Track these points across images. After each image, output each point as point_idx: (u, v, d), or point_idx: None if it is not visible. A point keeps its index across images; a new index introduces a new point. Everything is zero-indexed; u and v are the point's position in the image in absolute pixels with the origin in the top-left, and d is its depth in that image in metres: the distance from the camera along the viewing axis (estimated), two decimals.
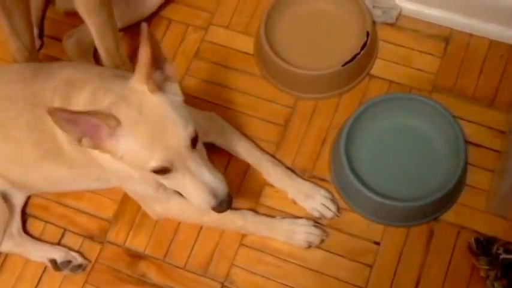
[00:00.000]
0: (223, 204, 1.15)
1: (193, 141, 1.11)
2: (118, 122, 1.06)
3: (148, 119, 1.08)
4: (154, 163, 1.08)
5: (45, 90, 1.28)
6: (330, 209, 1.45)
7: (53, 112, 1.01)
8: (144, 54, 1.07)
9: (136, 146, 1.08)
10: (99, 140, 1.08)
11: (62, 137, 1.27)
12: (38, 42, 1.63)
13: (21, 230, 1.48)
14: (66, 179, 1.41)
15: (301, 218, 1.45)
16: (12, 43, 1.53)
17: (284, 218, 1.45)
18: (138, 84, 1.10)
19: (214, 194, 1.13)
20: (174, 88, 1.14)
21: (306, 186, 1.47)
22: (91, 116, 1.05)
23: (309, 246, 1.42)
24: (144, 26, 1.07)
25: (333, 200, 1.46)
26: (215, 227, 1.45)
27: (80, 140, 1.07)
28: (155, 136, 1.08)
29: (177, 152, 1.09)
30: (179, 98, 1.15)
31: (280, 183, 1.48)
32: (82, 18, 1.42)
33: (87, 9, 1.38)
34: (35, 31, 1.61)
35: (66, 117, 1.03)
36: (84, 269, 1.46)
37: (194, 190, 1.13)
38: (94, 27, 1.41)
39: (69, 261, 1.45)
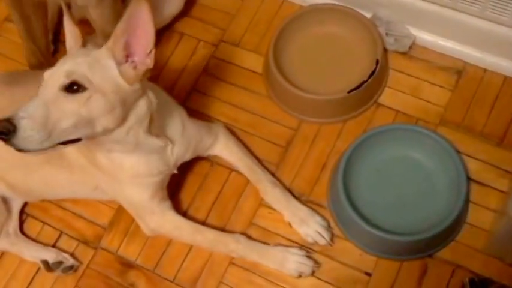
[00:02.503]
0: (1, 122, 1.05)
1: (69, 89, 1.08)
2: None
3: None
4: None
5: None
6: (323, 237, 1.43)
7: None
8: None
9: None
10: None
11: None
12: (51, 48, 1.67)
13: (17, 230, 1.51)
14: (65, 184, 1.43)
15: (294, 246, 1.43)
16: (27, 47, 1.58)
17: (277, 245, 1.44)
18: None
19: (16, 111, 1.06)
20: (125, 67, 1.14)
21: (303, 211, 1.45)
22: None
23: (299, 276, 1.40)
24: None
25: (328, 228, 1.45)
26: (207, 248, 1.45)
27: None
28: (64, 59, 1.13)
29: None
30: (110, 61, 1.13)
31: (277, 204, 1.47)
32: (95, 28, 1.45)
33: (102, 20, 1.41)
34: (50, 36, 1.64)
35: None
36: (75, 270, 1.48)
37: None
38: (106, 38, 1.43)
39: (61, 262, 1.47)
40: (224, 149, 1.51)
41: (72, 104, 1.08)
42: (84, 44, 1.18)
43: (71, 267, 1.48)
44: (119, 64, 1.13)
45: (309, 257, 1.41)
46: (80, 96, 1.08)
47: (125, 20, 1.10)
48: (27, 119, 1.05)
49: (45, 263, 1.47)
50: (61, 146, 1.10)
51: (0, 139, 1.05)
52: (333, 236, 1.44)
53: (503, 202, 1.43)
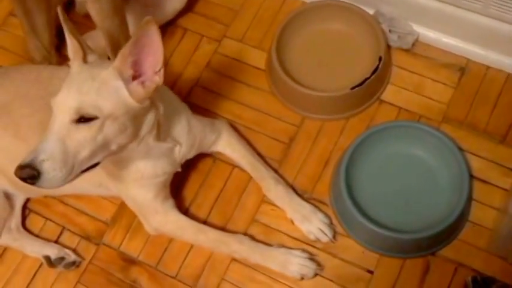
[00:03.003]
0: (23, 169, 1.06)
1: (80, 120, 1.07)
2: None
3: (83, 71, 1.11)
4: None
5: None
6: (326, 234, 1.43)
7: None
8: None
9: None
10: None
11: None
12: (55, 42, 1.66)
13: (20, 225, 1.52)
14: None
15: (297, 248, 1.43)
16: (30, 41, 1.57)
17: (280, 247, 1.43)
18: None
19: (34, 154, 1.06)
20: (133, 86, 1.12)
21: (305, 208, 1.45)
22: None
23: (302, 279, 1.40)
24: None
25: (330, 225, 1.45)
26: (209, 248, 1.44)
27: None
28: (69, 85, 1.09)
29: (58, 106, 1.08)
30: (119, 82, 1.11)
31: (279, 201, 1.47)
32: (95, 23, 1.44)
33: (101, 15, 1.41)
34: (54, 31, 1.64)
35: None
36: (78, 266, 1.48)
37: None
38: (106, 33, 1.43)
39: (63, 258, 1.47)
40: (227, 145, 1.51)
41: (87, 133, 1.08)
42: (85, 58, 1.15)
43: (73, 263, 1.48)
44: (127, 83, 1.11)
45: (311, 259, 1.41)
46: (93, 125, 1.08)
47: (133, 41, 1.07)
48: (49, 161, 1.05)
49: (48, 258, 1.47)
50: (83, 173, 1.12)
51: (28, 183, 1.07)
52: (335, 233, 1.44)
53: (506, 200, 1.43)
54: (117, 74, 1.10)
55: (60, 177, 1.06)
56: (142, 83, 1.13)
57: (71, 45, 1.16)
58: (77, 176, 1.10)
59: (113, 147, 1.13)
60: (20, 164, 1.06)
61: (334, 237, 1.44)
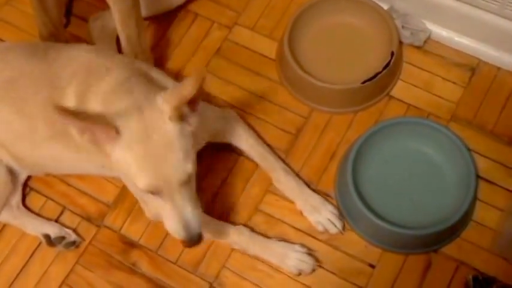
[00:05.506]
0: (192, 241, 1.17)
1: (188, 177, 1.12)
2: (117, 134, 1.07)
3: (152, 142, 1.07)
4: (141, 185, 1.09)
5: (64, 72, 1.28)
6: (335, 225, 1.43)
7: (59, 111, 1.03)
8: (187, 89, 1.06)
9: (129, 161, 1.08)
10: (97, 140, 1.09)
11: None
12: (63, 20, 1.64)
13: (20, 203, 1.50)
14: (71, 161, 1.42)
15: (297, 243, 1.42)
16: (39, 17, 1.55)
17: (280, 240, 1.43)
18: (162, 104, 1.09)
19: (187, 229, 1.15)
20: (192, 119, 1.13)
21: (315, 199, 1.45)
22: (91, 124, 1.06)
23: (299, 274, 1.40)
24: (203, 69, 1.10)
25: (339, 217, 1.44)
26: (209, 238, 1.43)
27: (81, 134, 1.09)
28: (152, 161, 1.08)
29: (168, 183, 1.10)
30: (190, 128, 1.13)
31: (289, 192, 1.46)
32: (107, 2, 1.42)
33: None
34: (63, 8, 1.62)
35: (69, 119, 1.04)
36: (77, 246, 1.47)
37: (171, 218, 1.14)
38: (118, 13, 1.42)
39: (63, 237, 1.46)
40: (236, 136, 1.49)
41: (192, 185, 1.17)
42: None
43: (73, 243, 1.46)
44: (189, 125, 1.13)
45: (310, 254, 1.41)
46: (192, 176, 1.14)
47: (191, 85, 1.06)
48: (201, 223, 1.16)
49: (47, 237, 1.46)
50: None
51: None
52: (344, 226, 1.44)
53: (510, 201, 1.43)
54: (186, 125, 1.11)
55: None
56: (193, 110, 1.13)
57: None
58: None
59: None
60: (184, 241, 1.17)
61: (343, 228, 1.43)
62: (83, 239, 1.49)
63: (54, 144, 1.36)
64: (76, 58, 1.30)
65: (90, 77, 1.24)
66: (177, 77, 1.63)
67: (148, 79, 1.24)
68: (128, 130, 1.08)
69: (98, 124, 1.07)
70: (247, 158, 1.52)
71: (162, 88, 1.21)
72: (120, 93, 1.17)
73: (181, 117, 1.10)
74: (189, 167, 1.11)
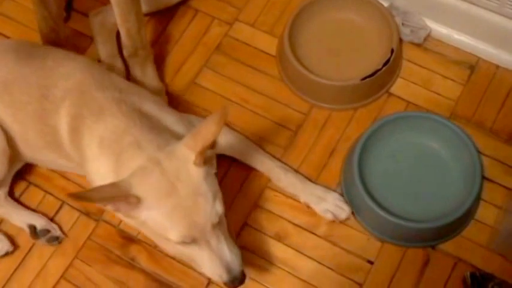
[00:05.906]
0: (236, 281, 1.15)
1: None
2: (138, 200, 1.05)
3: (178, 193, 1.06)
4: (175, 238, 1.08)
5: (58, 87, 1.28)
6: (344, 210, 1.43)
7: (73, 198, 1.04)
8: (211, 131, 1.05)
9: (158, 219, 1.07)
10: (121, 210, 1.08)
11: (63, 134, 1.28)
12: (63, 15, 1.64)
13: (7, 193, 1.48)
14: (66, 167, 1.44)
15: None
16: (39, 12, 1.54)
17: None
18: (185, 150, 1.07)
19: (228, 270, 1.13)
20: (212, 157, 1.13)
21: (318, 189, 1.45)
22: (108, 201, 1.05)
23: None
24: (226, 108, 1.08)
25: (346, 201, 1.44)
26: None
27: (103, 207, 1.09)
28: (182, 211, 1.06)
29: (201, 229, 1.08)
30: (213, 170, 1.13)
31: (292, 188, 1.46)
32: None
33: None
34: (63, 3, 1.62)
35: (85, 202, 1.06)
36: (59, 242, 1.46)
37: (210, 263, 1.13)
38: (117, 7, 1.41)
39: (48, 231, 1.45)
40: (227, 146, 1.47)
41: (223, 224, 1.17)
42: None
43: (56, 238, 1.46)
44: (211, 165, 1.14)
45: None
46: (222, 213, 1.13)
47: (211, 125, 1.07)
48: (241, 261, 1.16)
49: (33, 228, 1.45)
50: None
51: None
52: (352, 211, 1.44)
53: (509, 199, 1.44)
54: (208, 164, 1.11)
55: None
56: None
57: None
58: None
59: None
60: (228, 283, 1.15)
61: (352, 212, 1.44)
62: (66, 235, 1.47)
63: (47, 153, 1.37)
64: (72, 75, 1.28)
65: (83, 106, 1.22)
66: (176, 74, 1.63)
67: (148, 119, 1.21)
68: (150, 190, 1.06)
69: (115, 199, 1.05)
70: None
71: (165, 129, 1.20)
72: (127, 150, 1.14)
73: (205, 160, 1.09)
74: (220, 208, 1.10)
